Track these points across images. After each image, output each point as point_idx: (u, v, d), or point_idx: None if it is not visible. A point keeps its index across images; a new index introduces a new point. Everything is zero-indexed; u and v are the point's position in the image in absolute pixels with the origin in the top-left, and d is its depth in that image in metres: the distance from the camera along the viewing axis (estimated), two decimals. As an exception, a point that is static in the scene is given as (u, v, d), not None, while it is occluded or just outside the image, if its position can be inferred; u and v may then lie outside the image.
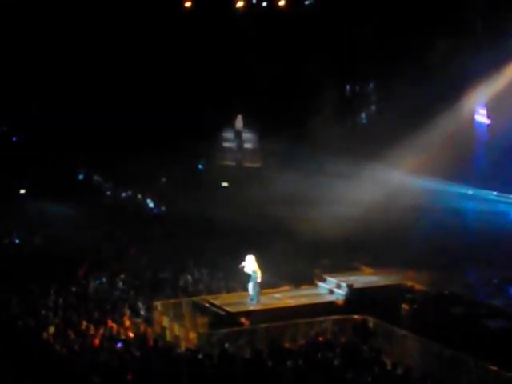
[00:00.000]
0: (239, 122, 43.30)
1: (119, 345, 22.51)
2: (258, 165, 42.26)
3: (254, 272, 26.08)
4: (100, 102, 38.86)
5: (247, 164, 42.95)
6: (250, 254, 26.22)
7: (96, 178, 43.92)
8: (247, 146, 43.53)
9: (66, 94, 38.74)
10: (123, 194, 43.05)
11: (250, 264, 26.11)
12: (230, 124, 43.15)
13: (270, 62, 37.56)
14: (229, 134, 43.62)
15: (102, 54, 38.17)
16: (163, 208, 41.39)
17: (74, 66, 38.29)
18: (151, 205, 42.17)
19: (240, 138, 43.49)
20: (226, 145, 43.86)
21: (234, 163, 43.40)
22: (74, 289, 28.61)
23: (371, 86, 38.60)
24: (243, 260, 26.21)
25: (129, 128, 38.92)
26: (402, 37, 33.92)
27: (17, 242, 36.23)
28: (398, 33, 34.21)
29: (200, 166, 43.96)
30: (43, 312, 25.76)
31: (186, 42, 38.01)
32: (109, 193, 43.35)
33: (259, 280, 26.16)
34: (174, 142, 37.87)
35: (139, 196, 42.57)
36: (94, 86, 38.70)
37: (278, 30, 37.30)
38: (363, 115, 38.82)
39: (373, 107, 38.72)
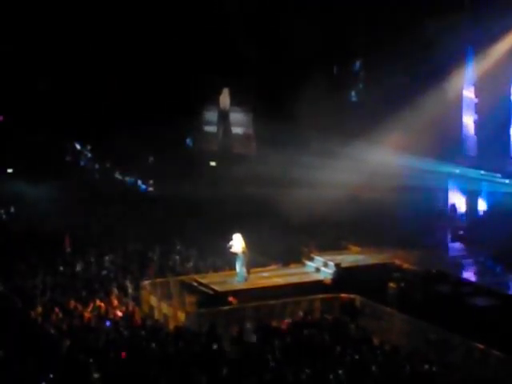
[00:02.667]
0: (225, 99, 39.39)
1: (108, 323, 22.58)
2: (252, 152, 38.89)
3: (241, 251, 26.04)
4: (87, 79, 38.75)
5: (238, 150, 39.60)
6: (237, 233, 26.19)
7: (84, 157, 43.74)
8: (237, 130, 39.84)
9: (53, 72, 38.63)
10: (111, 174, 42.88)
11: (237, 243, 26.08)
12: (214, 101, 39.86)
13: (257, 39, 37.29)
14: (211, 115, 40.14)
15: (89, 30, 37.92)
16: (151, 188, 41.24)
17: (60, 44, 38.09)
18: (139, 184, 41.93)
19: (226, 120, 39.63)
20: (207, 129, 40.33)
21: (217, 149, 39.77)
22: (61, 268, 28.60)
23: (358, 64, 38.45)
24: (231, 239, 26.19)
25: (115, 107, 38.77)
26: (389, 15, 33.82)
27: (3, 218, 36.18)
28: (386, 10, 34.10)
29: (188, 142, 42.11)
30: (31, 291, 25.77)
31: (168, 15, 37.58)
32: (96, 172, 43.18)
33: (245, 258, 26.10)
34: (161, 118, 37.45)
35: (127, 176, 42.37)
36: (81, 64, 38.55)
37: (266, 7, 37.08)
38: (353, 93, 38.61)
39: (360, 85, 38.57)
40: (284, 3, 36.56)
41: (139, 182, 41.81)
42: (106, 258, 29.71)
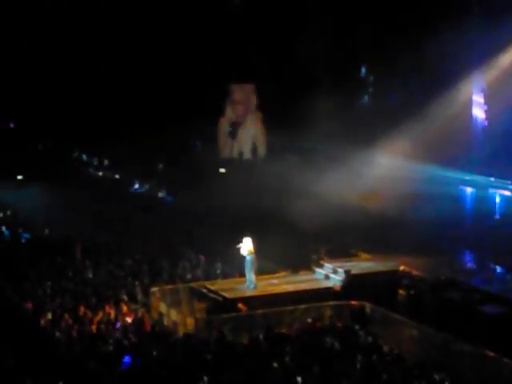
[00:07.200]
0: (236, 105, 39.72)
1: (117, 325, 22.64)
2: (261, 156, 39.19)
3: (249, 254, 25.85)
4: (95, 86, 38.88)
5: (247, 157, 39.96)
6: (247, 236, 26.05)
7: (93, 165, 43.87)
8: (248, 137, 40.04)
9: (61, 77, 38.79)
10: (120, 181, 42.96)
11: (247, 246, 25.89)
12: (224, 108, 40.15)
13: (267, 46, 37.33)
14: (222, 121, 40.32)
15: (96, 32, 38.05)
16: (161, 194, 41.29)
17: (69, 50, 38.28)
18: (150, 191, 41.98)
19: (237, 127, 39.86)
20: (218, 135, 40.35)
21: (228, 156, 40.10)
22: (71, 274, 28.66)
23: (367, 71, 38.52)
24: (241, 242, 26.08)
25: (124, 113, 38.89)
26: (400, 22, 33.87)
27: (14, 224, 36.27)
28: (396, 18, 34.15)
29: (198, 149, 42.14)
30: (40, 298, 25.81)
31: (179, 20, 37.63)
32: (106, 180, 43.26)
33: (253, 263, 25.93)
34: (170, 125, 37.50)
35: (137, 183, 42.43)
36: (91, 71, 38.70)
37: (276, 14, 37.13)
38: (365, 98, 38.61)
39: (370, 90, 38.60)
40: (293, 10, 36.64)
41: (150, 190, 41.88)
42: (116, 264, 29.77)
